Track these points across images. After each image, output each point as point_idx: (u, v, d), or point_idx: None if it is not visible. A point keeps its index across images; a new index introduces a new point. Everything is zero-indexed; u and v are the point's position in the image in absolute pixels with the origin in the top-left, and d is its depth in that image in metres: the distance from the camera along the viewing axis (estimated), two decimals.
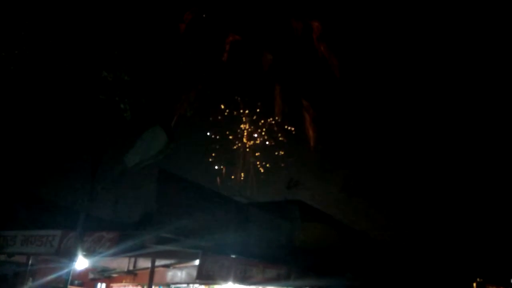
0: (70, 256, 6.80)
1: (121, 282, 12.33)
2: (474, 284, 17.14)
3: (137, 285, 12.04)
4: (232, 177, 35.58)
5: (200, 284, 11.19)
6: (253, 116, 37.06)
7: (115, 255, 8.23)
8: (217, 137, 36.96)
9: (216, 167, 36.67)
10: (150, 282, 9.33)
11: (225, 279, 9.31)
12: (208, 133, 37.15)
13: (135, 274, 11.64)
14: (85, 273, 11.21)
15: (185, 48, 7.17)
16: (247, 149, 37.30)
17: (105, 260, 9.86)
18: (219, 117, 36.77)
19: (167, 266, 10.76)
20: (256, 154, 37.29)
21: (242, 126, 37.38)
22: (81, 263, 7.58)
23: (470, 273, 17.15)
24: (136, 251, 8.32)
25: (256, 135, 37.10)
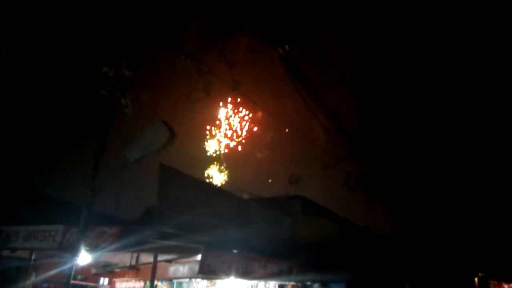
0: (73, 251, 6.81)
1: (124, 276, 12.39)
2: (476, 279, 17.15)
3: (139, 280, 12.11)
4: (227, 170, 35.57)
5: (202, 279, 11.24)
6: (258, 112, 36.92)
7: (117, 250, 8.26)
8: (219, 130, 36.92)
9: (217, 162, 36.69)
10: (153, 277, 9.37)
11: (227, 273, 9.34)
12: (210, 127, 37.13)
13: (138, 269, 11.69)
14: (88, 268, 11.26)
15: (187, 42, 7.13)
16: (251, 144, 37.27)
17: (107, 255, 9.89)
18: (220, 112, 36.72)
19: (169, 261, 10.80)
20: (259, 149, 37.26)
21: (246, 122, 37.30)
22: (84, 258, 7.61)
23: (472, 268, 17.15)
24: (139, 246, 8.34)
25: (259, 130, 37.02)
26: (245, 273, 9.75)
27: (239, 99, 35.82)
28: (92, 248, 7.94)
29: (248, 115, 37.67)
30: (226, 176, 36.34)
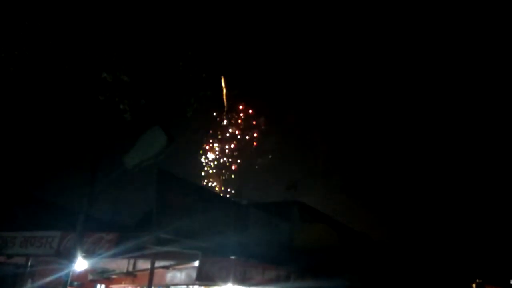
0: (70, 257, 6.77)
1: (121, 283, 12.31)
2: (474, 285, 17.15)
3: (136, 287, 12.03)
4: (233, 176, 35.62)
5: (200, 285, 11.17)
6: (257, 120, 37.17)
7: (114, 256, 8.22)
8: (219, 138, 37.02)
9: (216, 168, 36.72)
10: (150, 283, 9.31)
11: (224, 280, 9.30)
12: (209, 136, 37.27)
13: (135, 276, 11.63)
14: (84, 274, 11.20)
15: (186, 49, 7.17)
16: (249, 151, 37.37)
17: (104, 262, 9.84)
18: (218, 119, 36.83)
19: (166, 268, 10.75)
20: (258, 155, 37.36)
21: (243, 128, 37.46)
22: (81, 264, 7.57)
23: (469, 274, 17.16)
24: (136, 252, 8.31)
25: (257, 136, 37.14)
26: (243, 280, 9.71)
27: (239, 107, 36.00)
28: (89, 254, 7.91)
29: (247, 122, 37.80)
30: (224, 182, 36.36)
